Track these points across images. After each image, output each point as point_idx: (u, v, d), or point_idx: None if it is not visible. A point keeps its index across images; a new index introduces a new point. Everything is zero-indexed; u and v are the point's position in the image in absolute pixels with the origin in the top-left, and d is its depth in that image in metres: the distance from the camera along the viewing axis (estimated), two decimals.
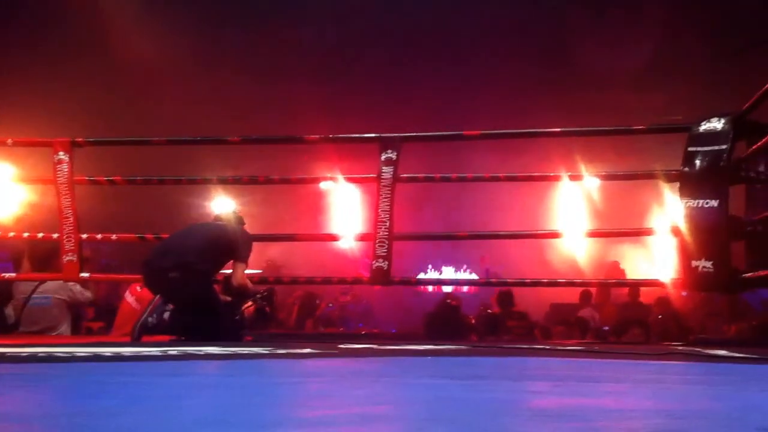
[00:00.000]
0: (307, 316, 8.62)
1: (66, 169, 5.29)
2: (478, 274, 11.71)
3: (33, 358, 2.90)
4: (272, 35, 9.21)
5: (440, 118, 8.96)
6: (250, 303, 4.87)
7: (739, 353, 3.63)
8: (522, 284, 7.38)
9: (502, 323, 7.03)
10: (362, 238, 5.74)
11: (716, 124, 4.51)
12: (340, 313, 9.66)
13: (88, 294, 5.71)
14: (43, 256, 5.65)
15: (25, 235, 5.66)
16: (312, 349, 3.74)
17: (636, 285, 8.51)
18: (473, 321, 7.25)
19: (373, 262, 5.09)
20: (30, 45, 8.73)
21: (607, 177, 6.48)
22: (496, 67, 9.16)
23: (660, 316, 7.01)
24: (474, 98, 9.47)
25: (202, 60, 9.49)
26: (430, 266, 12.30)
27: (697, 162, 4.49)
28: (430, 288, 11.80)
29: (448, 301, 6.99)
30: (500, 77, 9.19)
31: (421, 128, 5.86)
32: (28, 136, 5.88)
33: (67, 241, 5.26)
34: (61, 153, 5.31)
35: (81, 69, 8.77)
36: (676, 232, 4.60)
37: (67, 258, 5.25)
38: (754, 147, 4.35)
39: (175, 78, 9.17)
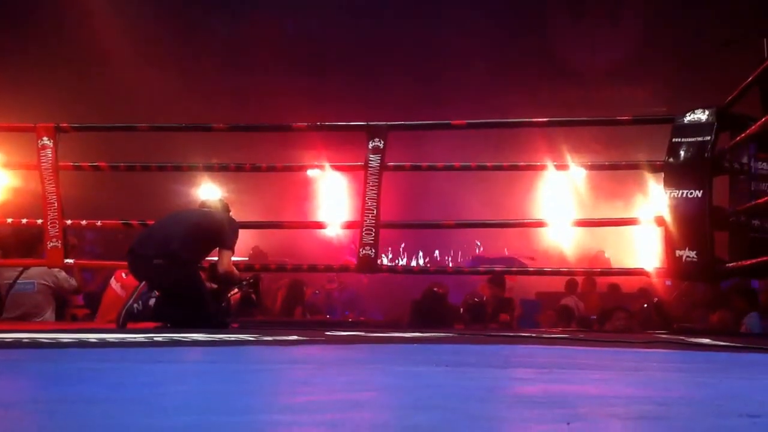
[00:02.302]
0: (296, 304, 8.58)
1: (50, 155, 5.24)
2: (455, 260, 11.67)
3: (17, 344, 2.89)
4: (256, 25, 9.17)
5: (424, 108, 8.98)
6: (236, 290, 4.87)
7: (721, 341, 3.68)
8: (509, 272, 7.41)
9: (489, 312, 7.02)
10: (349, 225, 5.73)
11: (700, 115, 4.54)
12: (326, 300, 9.65)
13: (73, 282, 5.67)
14: (27, 243, 5.61)
15: (9, 221, 5.61)
16: (298, 336, 3.74)
17: (621, 274, 8.53)
18: (462, 309, 7.24)
19: (360, 249, 5.09)
20: (12, 31, 8.63)
21: (592, 167, 6.51)
22: (480, 59, 9.17)
23: (645, 305, 7.06)
24: (456, 89, 9.47)
25: (187, 49, 9.43)
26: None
27: (681, 153, 4.52)
28: None
29: (435, 289, 6.96)
30: (484, 69, 9.19)
31: (407, 118, 5.87)
32: (12, 121, 5.82)
33: (52, 227, 5.22)
34: (45, 138, 5.25)
35: (64, 55, 8.70)
36: (660, 222, 4.64)
37: (51, 244, 5.21)
38: (737, 138, 4.39)
39: (160, 67, 9.10)
